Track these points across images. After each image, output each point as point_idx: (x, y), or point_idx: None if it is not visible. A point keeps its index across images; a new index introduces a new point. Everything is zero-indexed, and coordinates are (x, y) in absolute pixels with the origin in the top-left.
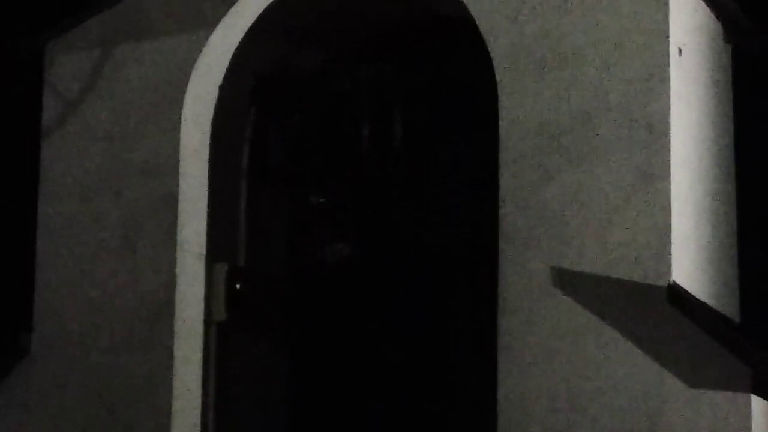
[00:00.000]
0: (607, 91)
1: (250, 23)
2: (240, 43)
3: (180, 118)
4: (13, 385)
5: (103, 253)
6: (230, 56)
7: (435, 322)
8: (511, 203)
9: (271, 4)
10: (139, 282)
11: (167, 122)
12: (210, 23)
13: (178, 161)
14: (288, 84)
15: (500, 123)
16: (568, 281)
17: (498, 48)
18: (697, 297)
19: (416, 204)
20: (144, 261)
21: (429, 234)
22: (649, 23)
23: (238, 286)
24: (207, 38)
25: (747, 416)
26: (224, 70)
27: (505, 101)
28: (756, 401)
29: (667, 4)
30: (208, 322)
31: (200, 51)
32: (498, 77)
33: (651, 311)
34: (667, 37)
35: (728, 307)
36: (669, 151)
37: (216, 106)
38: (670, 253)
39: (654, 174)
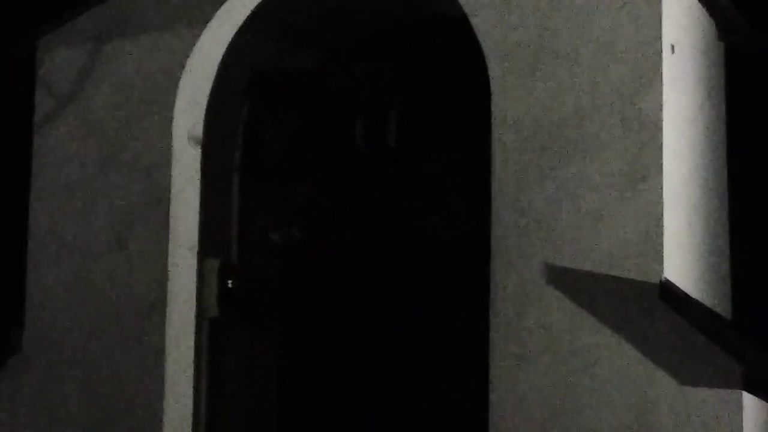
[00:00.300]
0: (600, 89)
1: (243, 19)
2: (233, 39)
3: (172, 114)
4: (4, 381)
5: (94, 249)
6: (223, 52)
7: (431, 321)
8: (504, 201)
9: (264, 0)
10: (131, 278)
11: (160, 118)
12: (203, 19)
13: (170, 157)
14: (282, 81)
15: (493, 121)
16: (561, 278)
17: (490, 46)
18: (689, 294)
19: (412, 202)
20: (136, 257)
21: (425, 232)
22: (642, 21)
23: (230, 282)
24: (200, 34)
25: (738, 413)
26: (217, 66)
27: (497, 99)
28: (747, 398)
29: (660, 1)
30: (200, 318)
31: (193, 47)
32: (491, 75)
33: (643, 308)
34: (660, 34)
35: (720, 304)
36: (661, 148)
37: (209, 102)
38: (662, 251)
39: (646, 171)
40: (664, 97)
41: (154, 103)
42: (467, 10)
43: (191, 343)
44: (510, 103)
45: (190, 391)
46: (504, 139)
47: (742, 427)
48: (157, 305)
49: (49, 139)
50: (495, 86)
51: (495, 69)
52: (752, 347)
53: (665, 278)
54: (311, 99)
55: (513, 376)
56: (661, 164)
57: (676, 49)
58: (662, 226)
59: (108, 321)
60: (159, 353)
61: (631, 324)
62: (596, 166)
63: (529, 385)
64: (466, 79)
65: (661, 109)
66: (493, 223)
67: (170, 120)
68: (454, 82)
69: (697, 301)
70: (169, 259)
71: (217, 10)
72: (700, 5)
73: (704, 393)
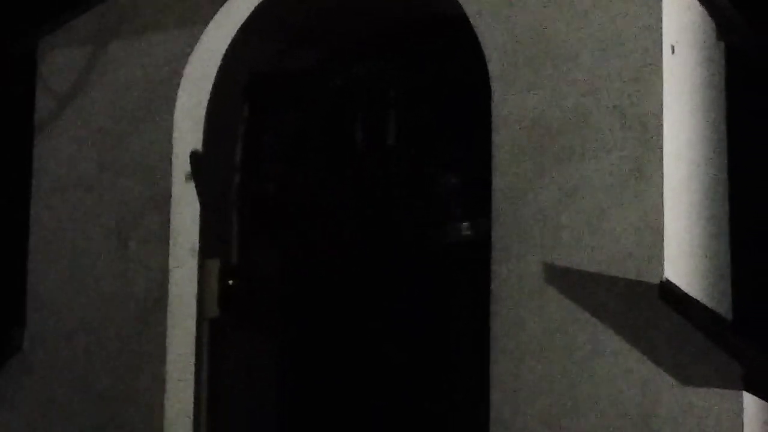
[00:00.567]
0: (600, 88)
1: (243, 20)
2: (233, 40)
3: (173, 114)
4: (5, 381)
5: (95, 249)
6: (223, 53)
7: (431, 320)
8: (504, 200)
9: (264, 1)
10: (132, 278)
11: (160, 119)
12: (203, 20)
13: (171, 158)
14: (282, 81)
15: (493, 120)
16: (561, 278)
17: (491, 47)
18: (689, 294)
19: (413, 202)
20: (137, 257)
21: (425, 232)
22: (642, 21)
23: (230, 282)
24: (200, 35)
25: (738, 413)
26: (217, 67)
27: (497, 99)
28: (747, 398)
29: (660, 1)
30: (200, 319)
31: (193, 48)
32: (491, 76)
33: (643, 308)
34: (660, 35)
35: (720, 304)
36: (662, 148)
37: (209, 103)
38: (662, 250)
39: (647, 171)
40: (664, 97)
41: (154, 104)
42: (467, 10)
43: (191, 343)
44: (510, 102)
45: (190, 392)
46: (504, 138)
47: (742, 427)
48: (157, 306)
49: (49, 140)
50: (495, 86)
51: (495, 69)
52: (752, 347)
53: (665, 278)
54: (311, 99)
55: (513, 375)
56: (662, 164)
57: (676, 49)
58: (662, 226)
59: (108, 321)
60: (159, 353)
61: (632, 324)
62: (596, 166)
63: (530, 385)
64: (466, 79)
65: (661, 109)
66: (494, 223)
67: (171, 120)
68: (454, 81)
69: (697, 301)
70: (170, 259)
71: (217, 11)
72: (699, 5)
73: (704, 393)
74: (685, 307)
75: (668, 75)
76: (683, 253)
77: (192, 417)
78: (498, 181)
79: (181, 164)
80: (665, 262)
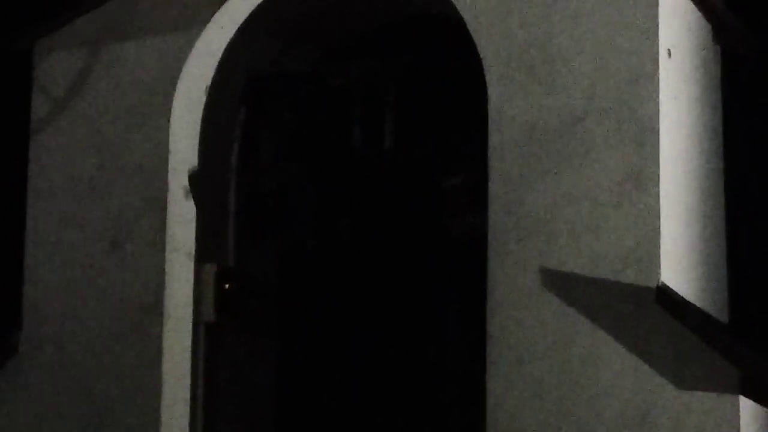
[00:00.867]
0: (597, 92)
1: (240, 22)
2: (230, 41)
3: (169, 117)
4: (1, 384)
5: (92, 252)
6: (220, 55)
7: (428, 325)
8: (500, 204)
9: (261, 2)
10: (128, 282)
11: (157, 121)
12: (200, 22)
13: (167, 161)
14: (279, 83)
15: (489, 124)
16: (557, 282)
17: (487, 49)
18: (685, 298)
19: (409, 202)
20: (133, 261)
21: (422, 234)
22: (638, 24)
23: (227, 286)
24: (197, 37)
25: (735, 417)
26: (214, 68)
27: (494, 102)
28: (744, 402)
29: (656, 5)
30: (197, 323)
31: (190, 50)
32: (487, 78)
33: (640, 312)
34: (657, 38)
35: (717, 308)
36: (658, 152)
37: (206, 105)
38: (659, 255)
39: (643, 175)
40: (661, 101)
41: (151, 106)
42: (464, 14)
43: (188, 347)
44: (507, 106)
45: (187, 396)
46: (501, 142)
47: (739, 430)
48: (154, 309)
49: (46, 142)
50: (492, 89)
51: (492, 72)
52: (749, 351)
53: (662, 282)
54: (309, 101)
55: (510, 380)
56: (658, 168)
57: (672, 53)
58: (659, 230)
59: (105, 325)
60: (156, 358)
61: (629, 328)
62: (593, 170)
63: (526, 389)
64: (463, 81)
65: (657, 113)
66: (490, 227)
67: (168, 123)
68: (451, 83)
69: (694, 305)
70: (166, 263)
71: (214, 12)
72: (696, 9)
73: (701, 397)
74: (682, 310)
75: (664, 78)
76: (680, 257)
77: (188, 421)
78: (495, 184)
79: (178, 167)
80: (662, 266)
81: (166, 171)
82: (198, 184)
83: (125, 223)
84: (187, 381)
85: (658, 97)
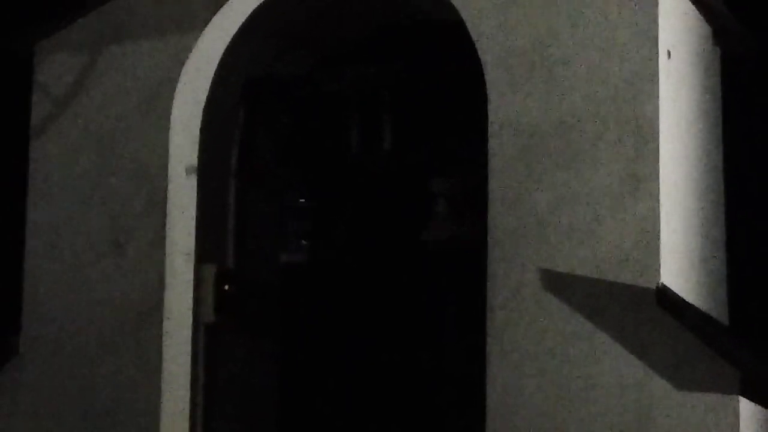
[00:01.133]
0: (596, 94)
1: (239, 25)
2: (229, 44)
3: (169, 119)
4: (2, 386)
5: (91, 254)
6: (219, 58)
7: (427, 325)
8: (500, 205)
9: (260, 5)
10: (128, 283)
11: (156, 123)
12: (199, 25)
13: (167, 162)
14: (277, 86)
15: (489, 126)
16: (557, 283)
17: (487, 52)
18: (685, 299)
19: (407, 206)
20: (133, 262)
21: (421, 237)
22: (638, 26)
23: (226, 287)
24: (196, 40)
25: (735, 418)
26: (213, 71)
27: (493, 105)
28: (744, 403)
29: (656, 6)
30: (196, 324)
31: (189, 52)
32: (487, 80)
33: (639, 313)
34: (657, 40)
35: (717, 309)
36: (658, 153)
37: (205, 107)
38: (658, 255)
39: (643, 176)
40: (661, 102)
41: (151, 108)
42: (464, 15)
43: (188, 348)
44: (506, 108)
45: (186, 397)
46: (500, 144)
47: (738, 430)
48: (153, 310)
49: (46, 144)
50: (491, 91)
51: (491, 74)
52: (749, 352)
53: (662, 283)
54: (307, 104)
55: (509, 381)
56: (658, 170)
57: (672, 54)
58: (659, 231)
59: (105, 326)
60: (155, 359)
61: (628, 329)
62: (593, 171)
63: (526, 390)
64: (462, 84)
65: (657, 115)
66: (490, 228)
67: (167, 125)
68: (450, 86)
69: (693, 306)
70: (166, 264)
71: (213, 15)
72: (696, 11)
73: (701, 398)
74: (682, 311)
75: (664, 80)
76: (679, 258)
77: (188, 422)
78: (494, 186)
79: (178, 168)
80: (661, 267)
81: (166, 172)
82: (198, 185)
83: (125, 224)
84: (187, 382)
85: (657, 98)
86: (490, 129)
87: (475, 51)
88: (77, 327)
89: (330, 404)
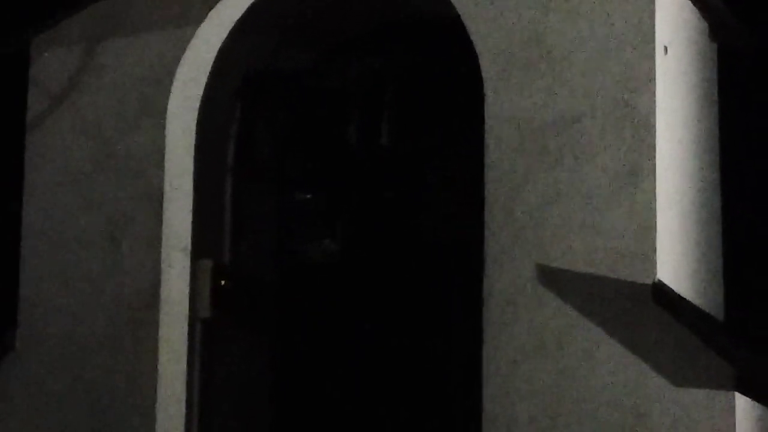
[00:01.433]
0: (593, 90)
1: (236, 19)
2: (226, 38)
3: (165, 114)
4: None
5: (88, 249)
6: (216, 52)
7: (423, 320)
8: (497, 200)
9: (257, 0)
10: (124, 278)
11: (152, 118)
12: (196, 19)
13: (163, 157)
14: (275, 81)
15: (486, 122)
16: (554, 279)
17: (484, 47)
18: (681, 295)
19: (405, 201)
20: (129, 257)
21: (419, 232)
22: (635, 22)
23: (223, 282)
24: (193, 34)
25: (731, 413)
26: (210, 65)
27: (491, 100)
28: (740, 399)
29: (653, 2)
30: (192, 319)
31: (186, 46)
32: (484, 76)
33: (636, 309)
34: (653, 36)
35: (712, 305)
36: (654, 149)
37: (201, 102)
38: (655, 252)
39: (640, 172)
40: (657, 97)
41: (147, 103)
42: (461, 11)
43: (184, 343)
44: (503, 103)
45: (182, 391)
46: (497, 139)
47: (734, 427)
48: (149, 306)
49: (41, 139)
50: (488, 87)
51: (488, 70)
52: (744, 348)
53: (658, 280)
54: (304, 99)
55: (506, 376)
56: (654, 165)
57: (669, 50)
58: (655, 227)
59: (101, 321)
60: (152, 353)
61: (624, 325)
62: (589, 166)
63: (522, 386)
64: (457, 78)
65: (654, 110)
66: (487, 223)
67: (163, 120)
68: (445, 80)
69: (689, 302)
70: (162, 259)
71: (209, 10)
72: (692, 6)
73: (697, 394)
74: (678, 308)
75: (661, 75)
76: (676, 254)
77: (184, 416)
78: (490, 182)
79: (174, 163)
80: (658, 263)
81: (162, 167)
82: (194, 179)
83: (121, 220)
84: (183, 376)
85: (654, 93)
86: (486, 124)
87: (472, 47)
88: (73, 322)
89: (325, 399)
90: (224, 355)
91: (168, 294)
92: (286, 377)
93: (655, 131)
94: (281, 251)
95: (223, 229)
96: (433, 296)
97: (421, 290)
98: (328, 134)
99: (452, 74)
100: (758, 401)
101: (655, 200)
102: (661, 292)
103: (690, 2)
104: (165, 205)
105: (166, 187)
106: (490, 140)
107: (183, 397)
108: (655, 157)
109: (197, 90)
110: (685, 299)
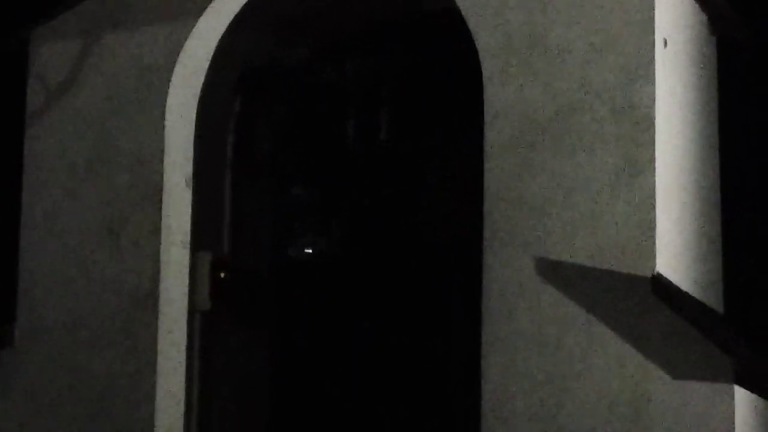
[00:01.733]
0: (593, 83)
1: (235, 13)
2: (225, 32)
3: (165, 107)
4: None
5: (87, 242)
6: (215, 46)
7: (423, 313)
8: (496, 194)
9: None
10: (123, 271)
11: (152, 111)
12: (195, 12)
13: (162, 150)
14: (274, 76)
15: (485, 115)
16: (553, 272)
17: (484, 40)
18: (681, 288)
19: (403, 196)
20: (128, 250)
21: (418, 227)
22: (634, 15)
23: (222, 275)
24: (192, 27)
25: (730, 406)
26: (209, 59)
27: (490, 93)
28: (739, 391)
29: None
30: (191, 312)
31: (185, 40)
32: (484, 69)
33: (635, 302)
34: (653, 29)
35: (712, 298)
36: (654, 142)
37: (201, 95)
38: (654, 244)
39: (639, 165)
40: (657, 91)
41: (146, 97)
42: (460, 5)
43: (183, 336)
44: (502, 97)
45: (181, 384)
46: (496, 133)
47: (733, 419)
48: (149, 298)
49: (41, 132)
50: (487, 80)
51: (487, 63)
52: (743, 341)
53: (657, 272)
54: (303, 94)
55: (505, 369)
56: (654, 158)
57: (668, 43)
58: (654, 220)
59: (100, 314)
60: (151, 346)
61: (624, 318)
62: (588, 160)
63: (522, 379)
64: (456, 73)
65: (653, 104)
66: (486, 217)
67: (162, 113)
68: (444, 75)
69: (689, 295)
70: (162, 252)
71: (208, 4)
72: None
73: (696, 386)
74: (677, 300)
75: (660, 69)
76: (675, 246)
77: (183, 409)
78: (490, 176)
79: (174, 156)
80: (657, 256)
81: (162, 160)
82: (193, 173)
83: (121, 212)
84: (182, 369)
85: (654, 87)
86: (486, 117)
87: (471, 40)
88: (72, 315)
89: (324, 392)
90: (223, 347)
91: (167, 287)
92: (285, 369)
93: (654, 124)
94: (280, 245)
95: (222, 222)
96: (432, 289)
97: (419, 283)
98: (327, 129)
99: (452, 69)
100: (758, 394)
101: (655, 193)
102: (660, 284)
103: None
104: (164, 197)
105: (166, 179)
106: (488, 134)
107: (182, 389)
108: (654, 149)
109: (197, 83)
110: (684, 292)
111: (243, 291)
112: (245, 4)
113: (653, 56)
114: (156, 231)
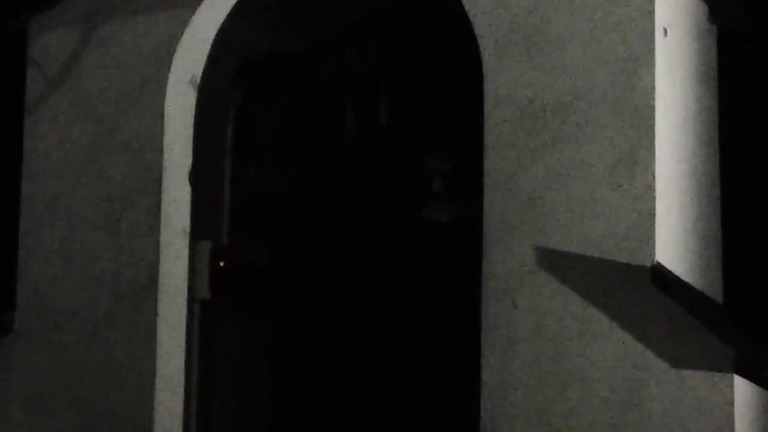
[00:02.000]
0: (592, 72)
1: (234, 2)
2: (224, 22)
3: (164, 95)
4: None
5: (86, 231)
6: (215, 35)
7: (421, 306)
8: (495, 183)
9: None
10: (123, 259)
11: (151, 100)
12: (194, 1)
13: (162, 138)
14: (274, 64)
15: (485, 105)
16: (552, 262)
17: (483, 27)
18: (680, 278)
19: (402, 188)
20: (127, 239)
21: (417, 216)
22: (634, 3)
23: (221, 264)
24: (191, 16)
25: (729, 396)
26: (209, 48)
27: (489, 83)
28: (738, 381)
29: None
30: (191, 300)
31: (185, 29)
32: (483, 59)
33: (634, 292)
34: (653, 18)
35: (712, 287)
36: (654, 132)
37: (200, 85)
38: (654, 234)
39: (639, 155)
40: (657, 80)
41: (146, 85)
42: None
43: (182, 324)
44: (502, 85)
45: (180, 373)
46: (496, 121)
47: (733, 409)
48: (148, 286)
49: (40, 120)
50: (487, 68)
51: (488, 50)
52: (743, 331)
53: (657, 262)
54: (303, 83)
55: (504, 359)
56: (654, 148)
57: (668, 32)
58: (654, 209)
59: (99, 302)
60: (150, 335)
61: (623, 308)
62: (588, 149)
63: (521, 368)
64: (458, 62)
65: (653, 93)
66: (485, 207)
67: (162, 102)
68: (446, 65)
69: (688, 284)
70: (161, 240)
71: None
72: None
73: (695, 376)
74: (677, 290)
75: (661, 58)
76: (675, 236)
77: (183, 398)
78: (489, 164)
79: (173, 145)
80: (657, 246)
81: (161, 149)
82: (193, 160)
83: (120, 201)
84: (182, 358)
85: (654, 76)
86: (485, 106)
87: (471, 28)
88: (71, 303)
89: (325, 382)
90: (223, 335)
91: (166, 275)
92: (285, 359)
93: (654, 113)
94: (280, 235)
95: (222, 211)
96: (432, 279)
97: (419, 275)
98: (327, 118)
99: (452, 58)
100: (758, 383)
101: (655, 182)
102: (660, 274)
103: None
104: (164, 186)
105: (165, 168)
106: (488, 122)
107: (182, 377)
108: (654, 138)
109: (196, 72)
110: (684, 281)
111: (243, 280)
112: None
113: (653, 45)
114: (155, 219)
